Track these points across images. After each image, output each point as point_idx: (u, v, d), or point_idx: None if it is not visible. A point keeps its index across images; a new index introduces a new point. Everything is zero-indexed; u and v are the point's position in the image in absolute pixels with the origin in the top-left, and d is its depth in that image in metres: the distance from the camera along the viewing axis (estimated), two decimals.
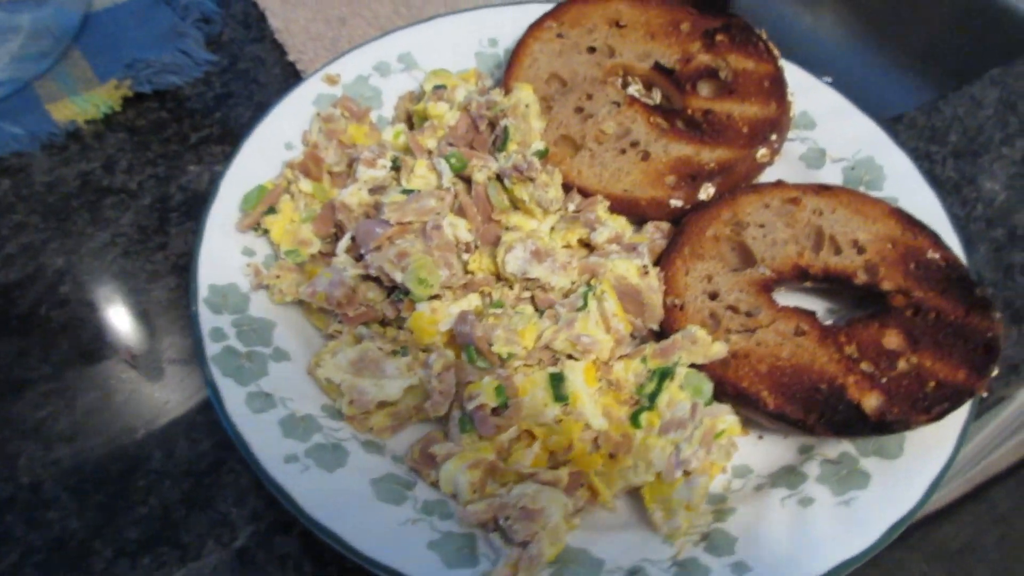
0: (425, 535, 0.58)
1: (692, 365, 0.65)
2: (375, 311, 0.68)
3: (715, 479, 0.65)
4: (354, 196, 0.73)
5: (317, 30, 0.97)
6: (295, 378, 0.66)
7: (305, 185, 0.75)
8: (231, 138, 0.88)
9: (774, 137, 0.79)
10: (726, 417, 0.60)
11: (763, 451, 0.67)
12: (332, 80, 0.85)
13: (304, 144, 0.80)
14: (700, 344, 0.64)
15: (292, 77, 0.94)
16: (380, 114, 0.86)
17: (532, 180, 0.71)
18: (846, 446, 0.65)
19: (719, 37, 0.84)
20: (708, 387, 0.63)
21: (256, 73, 0.95)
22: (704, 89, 0.83)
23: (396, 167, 0.76)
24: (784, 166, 0.84)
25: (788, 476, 0.64)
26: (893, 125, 0.93)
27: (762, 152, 0.78)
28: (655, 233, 0.77)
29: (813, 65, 1.46)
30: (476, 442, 0.62)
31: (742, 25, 0.85)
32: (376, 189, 0.74)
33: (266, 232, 0.73)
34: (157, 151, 0.87)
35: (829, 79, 1.40)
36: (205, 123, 0.89)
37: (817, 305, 0.74)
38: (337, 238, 0.73)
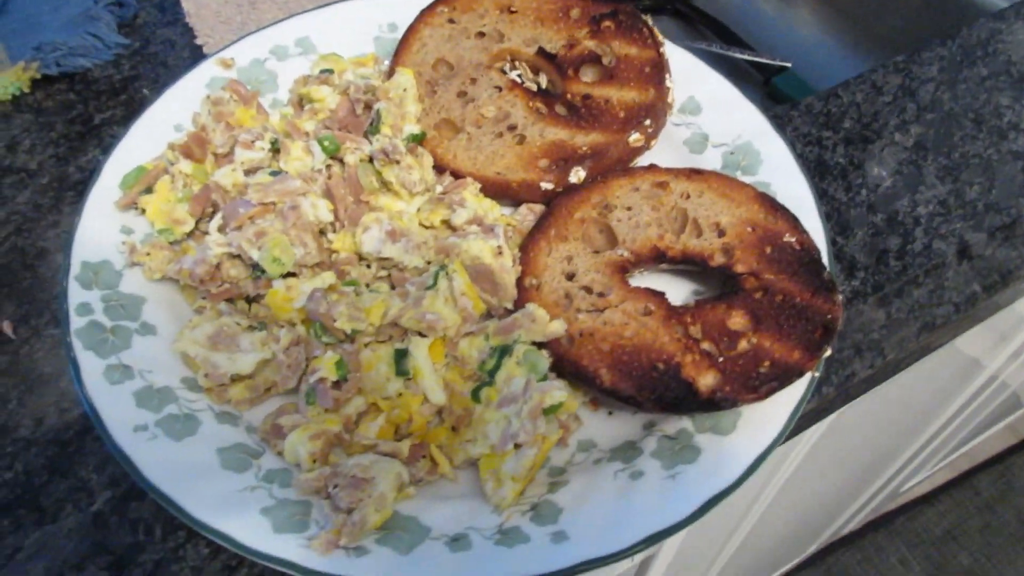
0: (261, 501, 0.60)
1: (534, 343, 0.67)
2: (239, 288, 0.70)
3: (559, 452, 0.67)
4: (229, 177, 0.75)
5: (227, 13, 0.99)
6: (159, 352, 0.69)
7: (185, 166, 0.77)
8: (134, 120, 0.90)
9: (648, 122, 0.80)
10: (554, 393, 0.62)
11: (611, 427, 0.69)
12: (226, 64, 0.86)
13: (194, 126, 0.82)
14: (539, 323, 0.65)
15: (200, 60, 0.96)
16: (276, 97, 0.87)
17: (397, 162, 0.73)
18: (685, 422, 0.67)
19: (605, 23, 0.86)
20: (543, 364, 0.65)
21: (165, 56, 0.97)
22: (587, 74, 0.85)
23: (276, 149, 0.78)
24: (668, 150, 0.85)
25: (626, 451, 0.66)
26: (790, 110, 0.94)
27: (635, 137, 0.80)
28: (528, 215, 0.79)
29: (775, 48, 1.47)
30: (322, 414, 0.65)
31: (629, 12, 0.86)
32: (253, 170, 0.76)
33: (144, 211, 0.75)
34: (61, 132, 0.89)
35: (788, 64, 1.42)
36: (110, 105, 0.92)
37: (684, 288, 0.76)
38: (212, 218, 0.75)
